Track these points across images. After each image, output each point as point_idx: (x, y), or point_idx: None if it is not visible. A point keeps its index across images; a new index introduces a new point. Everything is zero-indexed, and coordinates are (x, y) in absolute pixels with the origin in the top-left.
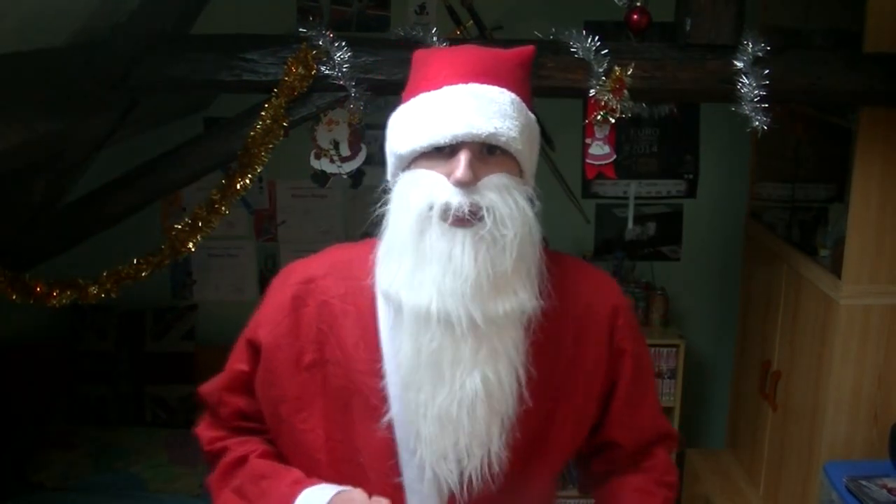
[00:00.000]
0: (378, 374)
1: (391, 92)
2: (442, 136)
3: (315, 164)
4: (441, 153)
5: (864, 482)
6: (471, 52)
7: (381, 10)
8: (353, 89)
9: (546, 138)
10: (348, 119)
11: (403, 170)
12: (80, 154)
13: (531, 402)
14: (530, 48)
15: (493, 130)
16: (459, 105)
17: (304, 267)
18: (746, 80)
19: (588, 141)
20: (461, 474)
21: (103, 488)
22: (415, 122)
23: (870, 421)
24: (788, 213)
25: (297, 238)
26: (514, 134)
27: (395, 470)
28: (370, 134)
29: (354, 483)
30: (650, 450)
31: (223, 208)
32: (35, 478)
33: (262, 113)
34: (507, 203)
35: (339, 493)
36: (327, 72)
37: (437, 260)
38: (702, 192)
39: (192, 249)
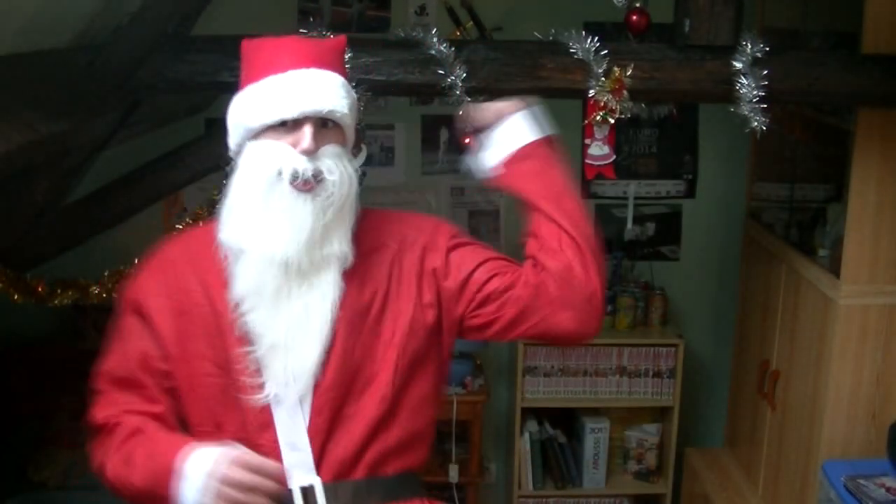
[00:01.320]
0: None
1: (391, 93)
2: (291, 111)
3: None
4: (285, 127)
5: (862, 481)
6: (303, 43)
7: (382, 11)
8: (354, 90)
9: None
10: None
11: (249, 141)
12: (82, 155)
13: (350, 331)
14: (343, 37)
15: (332, 107)
16: (305, 86)
17: (162, 251)
18: (745, 81)
19: (587, 141)
20: (296, 390)
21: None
22: (264, 99)
23: (868, 420)
24: (787, 214)
25: None
26: (346, 111)
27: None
28: (370, 134)
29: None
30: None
31: None
32: (37, 476)
33: None
34: (340, 169)
35: (223, 450)
36: None
37: (282, 216)
38: (701, 193)
39: None
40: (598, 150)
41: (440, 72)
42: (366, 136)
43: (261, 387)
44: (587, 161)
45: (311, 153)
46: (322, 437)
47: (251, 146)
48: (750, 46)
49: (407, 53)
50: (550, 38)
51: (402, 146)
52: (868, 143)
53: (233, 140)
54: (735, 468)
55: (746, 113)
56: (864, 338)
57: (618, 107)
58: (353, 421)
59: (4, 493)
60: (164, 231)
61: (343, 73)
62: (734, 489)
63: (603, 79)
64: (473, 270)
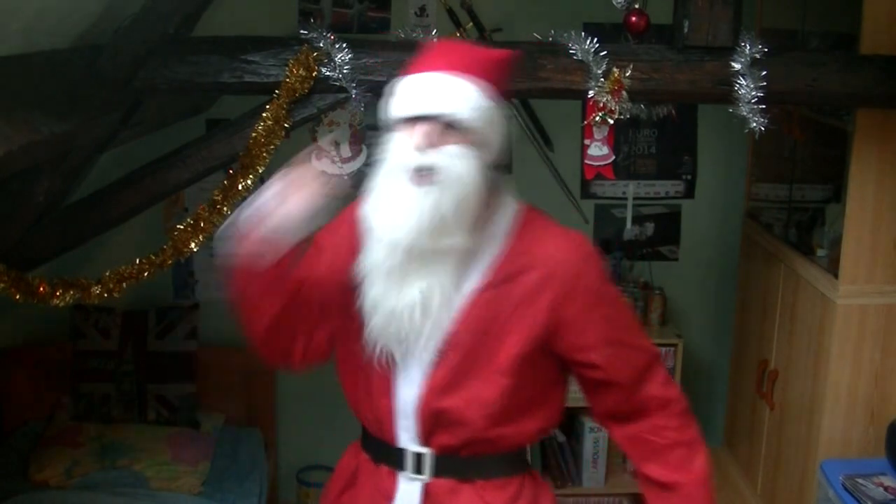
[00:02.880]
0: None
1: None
2: (407, 110)
3: (316, 164)
4: (412, 122)
5: (860, 480)
6: (456, 49)
7: (382, 12)
8: (354, 91)
9: (545, 139)
10: (349, 120)
11: (392, 130)
12: (83, 155)
13: (469, 324)
14: (517, 52)
15: (442, 111)
16: (426, 88)
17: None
18: (744, 82)
19: (587, 142)
20: (403, 354)
21: (106, 486)
22: (397, 96)
23: (866, 419)
24: (786, 214)
25: None
26: (465, 115)
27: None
28: (371, 135)
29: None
30: (650, 405)
31: (225, 209)
32: (39, 476)
33: (264, 114)
34: (453, 166)
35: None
36: (328, 73)
37: (400, 206)
38: (700, 193)
39: (195, 249)
40: (598, 150)
41: None
42: (366, 136)
43: (375, 356)
44: (587, 161)
45: (422, 149)
46: (433, 416)
47: (389, 137)
48: (749, 47)
49: (407, 54)
50: (550, 39)
51: None
52: (866, 143)
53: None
54: (734, 467)
55: (745, 113)
56: (862, 337)
57: (617, 107)
58: (466, 409)
59: (6, 493)
60: (165, 231)
61: (489, 81)
62: (733, 488)
63: (602, 80)
64: (589, 349)
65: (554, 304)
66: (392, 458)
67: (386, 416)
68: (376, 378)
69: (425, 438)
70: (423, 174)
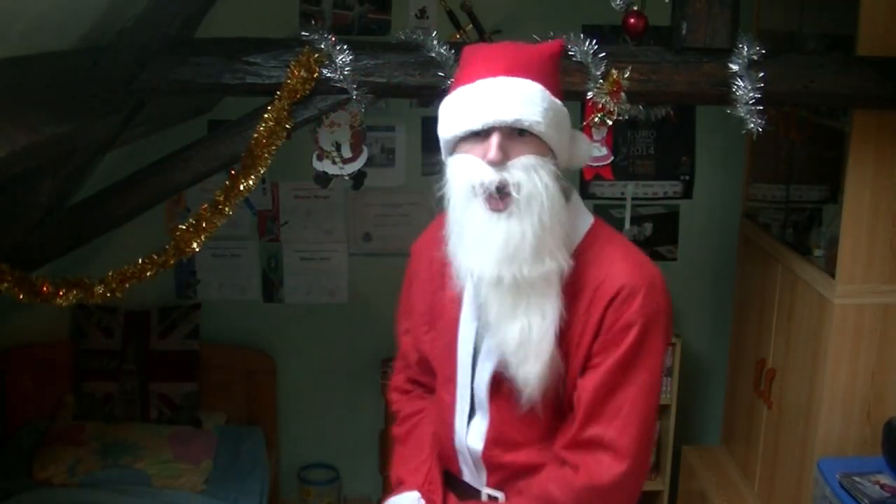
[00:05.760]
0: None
1: (392, 94)
2: (475, 122)
3: (317, 165)
4: (478, 137)
5: (857, 478)
6: (504, 50)
7: (382, 13)
8: (355, 92)
9: None
10: (350, 121)
11: (451, 153)
12: (86, 156)
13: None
14: (558, 42)
15: (517, 116)
16: (489, 95)
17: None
18: (741, 83)
19: None
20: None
21: (109, 484)
22: (455, 111)
23: (863, 418)
24: (783, 214)
25: (299, 239)
26: (537, 118)
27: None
28: (371, 136)
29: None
30: (583, 454)
31: (227, 209)
32: (42, 474)
33: (266, 115)
34: (533, 181)
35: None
36: (329, 75)
37: (479, 236)
38: (698, 193)
39: (197, 249)
40: (597, 151)
41: (440, 74)
42: (367, 137)
43: (453, 394)
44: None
45: (497, 163)
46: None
47: (451, 160)
48: (746, 49)
49: (407, 56)
50: (549, 40)
51: (402, 147)
52: (863, 144)
53: (443, 154)
54: (731, 466)
55: (743, 114)
56: (858, 337)
57: (616, 109)
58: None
59: (9, 492)
60: (167, 231)
61: (548, 81)
62: (730, 486)
63: (601, 81)
64: (586, 368)
65: (598, 327)
66: (460, 490)
67: (451, 458)
68: (447, 411)
69: (495, 485)
70: (500, 196)
